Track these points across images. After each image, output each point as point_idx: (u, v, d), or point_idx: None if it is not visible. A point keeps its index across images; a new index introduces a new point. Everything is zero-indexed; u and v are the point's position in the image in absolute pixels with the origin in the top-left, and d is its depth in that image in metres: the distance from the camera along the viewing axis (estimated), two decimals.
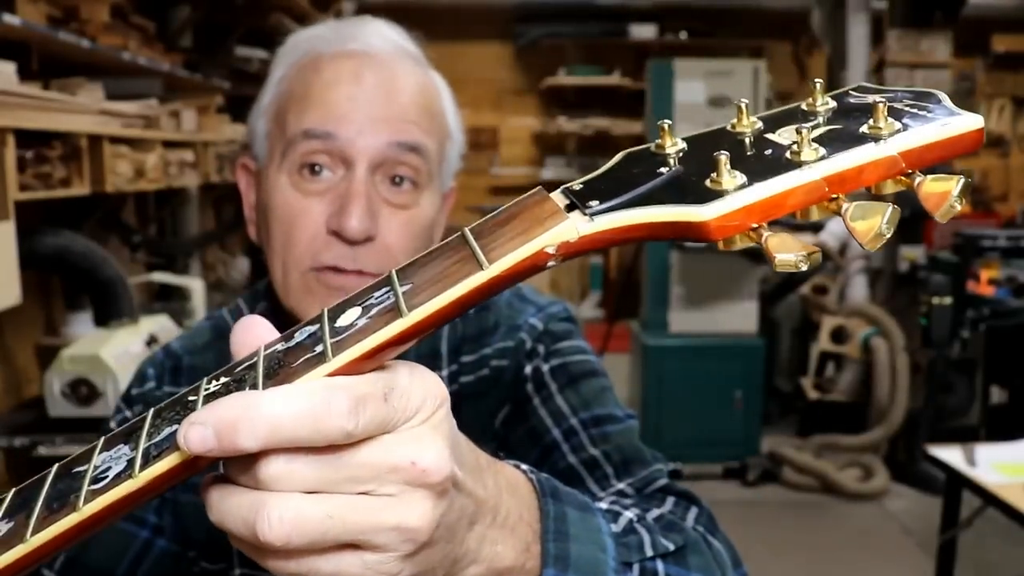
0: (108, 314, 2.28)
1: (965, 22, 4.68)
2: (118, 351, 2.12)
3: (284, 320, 0.74)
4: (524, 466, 0.58)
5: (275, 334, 0.45)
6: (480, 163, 7.13)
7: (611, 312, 5.13)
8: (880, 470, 4.11)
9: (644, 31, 7.01)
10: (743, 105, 0.41)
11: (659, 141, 0.42)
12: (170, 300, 2.98)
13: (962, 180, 0.36)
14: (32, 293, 2.37)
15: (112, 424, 0.91)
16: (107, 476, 0.41)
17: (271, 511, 0.40)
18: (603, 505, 0.65)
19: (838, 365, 4.64)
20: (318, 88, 0.80)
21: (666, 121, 0.42)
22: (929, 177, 0.36)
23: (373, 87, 0.80)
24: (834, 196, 0.38)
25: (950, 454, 2.34)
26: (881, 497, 4.01)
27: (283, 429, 0.39)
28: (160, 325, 2.39)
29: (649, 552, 0.62)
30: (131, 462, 0.41)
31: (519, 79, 7.38)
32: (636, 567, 0.61)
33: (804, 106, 0.42)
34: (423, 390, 0.43)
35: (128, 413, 0.91)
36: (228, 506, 0.41)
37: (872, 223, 0.36)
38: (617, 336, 4.64)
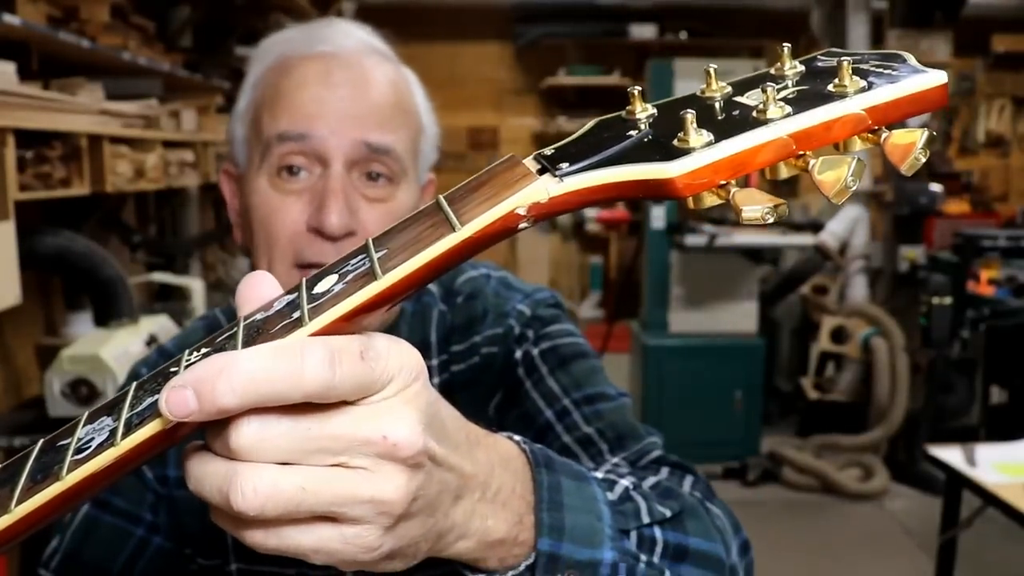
0: (108, 314, 2.28)
1: (965, 22, 4.67)
2: (118, 351, 2.12)
3: None
4: (517, 437, 0.58)
5: (279, 290, 0.45)
6: (480, 163, 7.10)
7: (611, 312, 5.13)
8: (880, 470, 4.10)
9: (644, 31, 7.01)
10: (711, 70, 0.41)
11: (630, 107, 0.42)
12: (170, 300, 2.99)
13: (926, 132, 0.36)
14: (32, 293, 2.38)
15: None
16: (90, 447, 0.41)
17: (244, 481, 0.40)
18: (598, 474, 0.64)
19: (838, 365, 4.63)
20: (289, 90, 0.82)
21: (636, 87, 0.42)
22: (894, 131, 0.37)
23: (343, 86, 0.81)
24: (801, 153, 0.38)
25: (950, 454, 2.33)
26: (881, 497, 4.00)
27: (261, 383, 0.39)
28: (160, 325, 2.39)
29: (646, 519, 0.62)
30: (113, 432, 0.41)
31: (519, 79, 7.38)
32: (633, 534, 0.61)
33: (773, 71, 0.42)
34: (400, 359, 0.43)
35: None
36: (203, 473, 0.42)
37: (838, 174, 0.36)
38: (617, 336, 4.64)
